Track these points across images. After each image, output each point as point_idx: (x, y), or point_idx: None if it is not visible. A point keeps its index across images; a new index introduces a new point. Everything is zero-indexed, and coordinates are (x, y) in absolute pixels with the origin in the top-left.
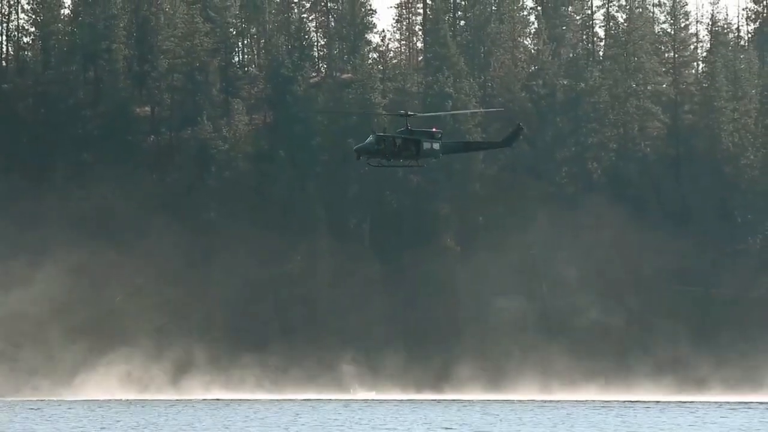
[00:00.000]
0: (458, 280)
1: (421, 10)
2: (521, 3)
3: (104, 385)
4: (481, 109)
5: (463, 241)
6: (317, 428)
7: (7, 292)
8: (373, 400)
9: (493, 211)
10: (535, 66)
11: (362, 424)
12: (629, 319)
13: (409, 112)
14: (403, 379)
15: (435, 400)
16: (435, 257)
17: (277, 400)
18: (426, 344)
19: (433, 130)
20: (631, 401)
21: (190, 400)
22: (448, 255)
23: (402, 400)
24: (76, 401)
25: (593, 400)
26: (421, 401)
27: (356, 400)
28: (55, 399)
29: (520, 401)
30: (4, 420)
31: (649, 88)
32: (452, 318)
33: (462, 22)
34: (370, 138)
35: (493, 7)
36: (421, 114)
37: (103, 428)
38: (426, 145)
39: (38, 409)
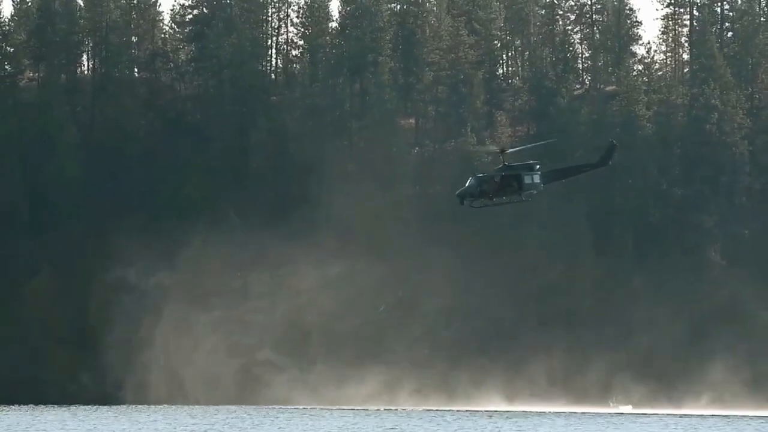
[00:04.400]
0: (722, 293)
1: (687, 22)
2: None
3: (367, 395)
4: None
5: (728, 255)
6: None
7: (275, 302)
8: (630, 413)
9: (760, 225)
10: None
11: None
12: None
13: (505, 149)
14: (664, 392)
15: (700, 415)
16: (699, 270)
17: (541, 412)
18: (686, 358)
19: (531, 162)
20: None
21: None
22: (713, 268)
23: (668, 414)
24: (342, 409)
25: None
26: (690, 416)
27: (616, 414)
28: (319, 407)
29: None
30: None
31: None
32: (715, 330)
33: (729, 33)
34: (471, 181)
35: (762, 18)
36: (514, 149)
37: None
38: (527, 179)
39: (298, 416)
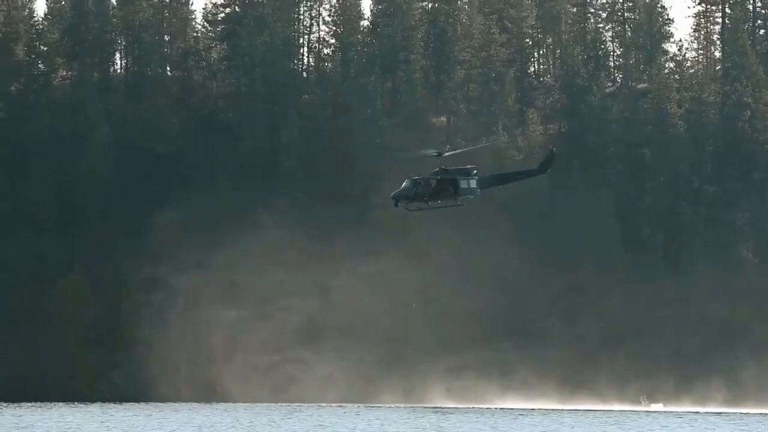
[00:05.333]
0: (754, 291)
1: (719, 19)
2: None
3: (399, 392)
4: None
5: (760, 252)
6: None
7: (305, 299)
8: (662, 412)
9: None
10: None
11: None
12: None
13: (445, 152)
14: (695, 390)
15: (730, 413)
16: (731, 268)
17: (567, 410)
18: (716, 356)
19: (468, 167)
20: None
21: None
22: (745, 266)
23: (698, 412)
24: (373, 407)
25: None
26: (720, 414)
27: (646, 412)
28: (351, 405)
29: None
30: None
31: None
32: (746, 328)
33: (762, 31)
34: (406, 183)
35: None
36: (450, 152)
37: None
38: (464, 184)
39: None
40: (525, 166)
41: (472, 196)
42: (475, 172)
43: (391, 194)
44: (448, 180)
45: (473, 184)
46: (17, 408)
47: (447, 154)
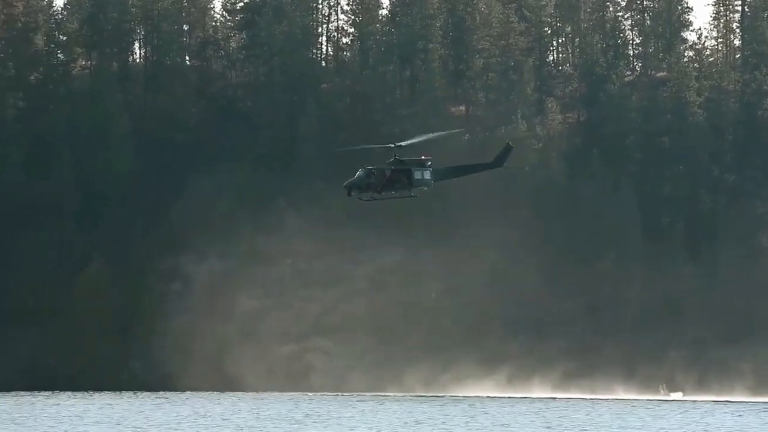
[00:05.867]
0: None
1: (738, 7)
2: None
3: (420, 381)
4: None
5: None
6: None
7: (326, 290)
8: (680, 401)
9: None
10: None
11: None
12: None
13: (397, 143)
14: (716, 379)
15: (752, 402)
16: (751, 257)
17: (588, 399)
18: (737, 345)
19: (423, 157)
20: None
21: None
22: (765, 254)
23: (718, 401)
24: (394, 396)
25: None
26: (741, 403)
27: (667, 401)
28: (371, 394)
29: None
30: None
31: None
32: (767, 318)
33: None
34: (360, 172)
35: None
36: (406, 142)
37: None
38: (417, 175)
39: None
40: (480, 160)
41: (426, 188)
42: (429, 163)
43: (344, 183)
44: (401, 170)
45: (427, 175)
46: (51, 397)
47: (402, 143)
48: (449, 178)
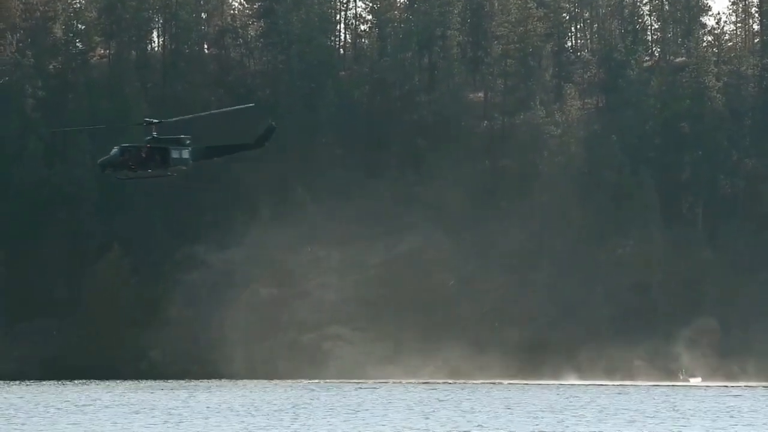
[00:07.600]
0: None
1: None
2: None
3: (437, 369)
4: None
5: None
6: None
7: (344, 277)
8: (700, 386)
9: None
10: None
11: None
12: None
13: (154, 120)
14: (736, 365)
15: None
16: None
17: (610, 385)
18: (757, 330)
19: (182, 137)
20: None
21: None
22: None
23: (738, 386)
24: (411, 383)
25: None
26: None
27: (684, 386)
28: (389, 381)
29: None
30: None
31: None
32: None
33: None
34: (115, 150)
35: None
36: (167, 120)
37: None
38: (174, 154)
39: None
40: (240, 140)
41: (184, 167)
42: (188, 142)
43: (98, 161)
44: (158, 149)
45: (185, 154)
46: (82, 385)
47: (166, 120)
48: (209, 158)
